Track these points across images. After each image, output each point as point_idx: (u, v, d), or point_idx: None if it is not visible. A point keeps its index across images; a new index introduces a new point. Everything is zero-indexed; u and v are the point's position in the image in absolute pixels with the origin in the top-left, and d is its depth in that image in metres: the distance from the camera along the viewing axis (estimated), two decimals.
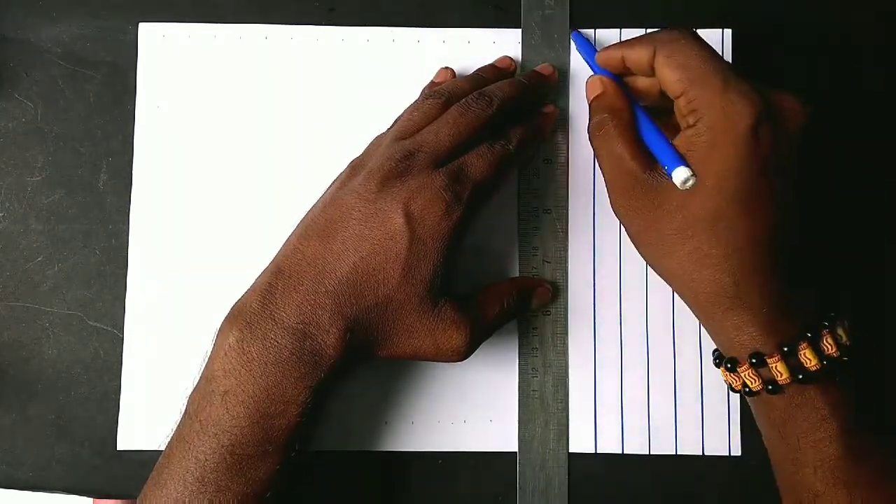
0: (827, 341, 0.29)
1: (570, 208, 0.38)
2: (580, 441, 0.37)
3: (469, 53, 0.38)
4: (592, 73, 0.36)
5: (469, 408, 0.37)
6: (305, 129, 0.38)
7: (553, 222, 0.38)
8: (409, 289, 0.30)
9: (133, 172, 0.38)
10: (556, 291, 0.37)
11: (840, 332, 0.30)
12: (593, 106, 0.35)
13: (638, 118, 0.33)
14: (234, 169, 0.38)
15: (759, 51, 0.39)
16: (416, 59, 0.38)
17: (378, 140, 0.35)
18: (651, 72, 0.32)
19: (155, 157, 0.38)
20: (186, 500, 0.28)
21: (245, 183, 0.38)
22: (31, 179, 0.38)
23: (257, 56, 0.38)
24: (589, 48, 0.37)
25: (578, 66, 0.38)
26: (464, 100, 0.34)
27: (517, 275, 0.38)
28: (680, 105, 0.31)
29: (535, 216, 0.38)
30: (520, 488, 0.36)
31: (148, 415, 0.36)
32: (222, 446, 0.28)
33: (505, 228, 0.38)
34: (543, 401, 0.37)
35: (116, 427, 0.36)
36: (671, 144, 0.31)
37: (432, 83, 0.38)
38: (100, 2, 0.38)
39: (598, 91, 0.35)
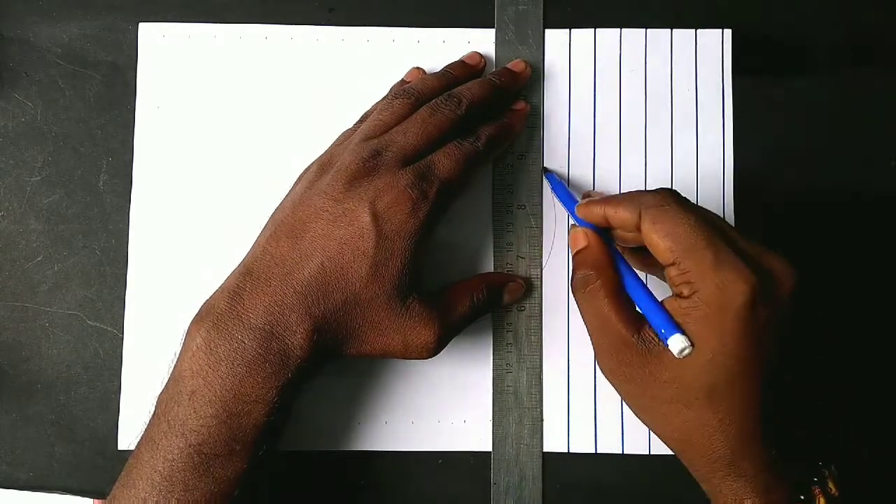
0: (819, 499, 0.30)
1: (543, 204, 0.38)
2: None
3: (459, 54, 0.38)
4: (568, 213, 0.35)
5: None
6: (305, 129, 0.38)
7: (527, 218, 0.38)
8: (376, 287, 0.31)
9: (133, 172, 0.38)
10: (530, 287, 0.37)
11: (830, 485, 0.30)
12: (577, 260, 0.33)
13: (624, 276, 0.32)
14: (235, 169, 0.38)
15: (759, 51, 0.39)
16: (415, 59, 0.38)
17: (344, 137, 0.36)
18: (637, 231, 0.31)
19: (155, 157, 0.38)
20: (154, 499, 0.28)
21: (245, 183, 0.38)
22: (30, 179, 0.38)
23: (257, 56, 0.38)
24: (567, 197, 0.35)
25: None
26: (433, 101, 0.34)
27: (492, 271, 0.38)
28: (671, 274, 0.30)
29: (509, 212, 0.38)
30: (494, 484, 0.37)
31: (148, 415, 0.36)
32: (190, 446, 0.29)
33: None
34: (517, 396, 0.37)
35: (116, 427, 0.36)
36: (665, 309, 0.30)
37: (402, 81, 0.38)
38: (100, 2, 0.38)
39: (581, 245, 0.33)
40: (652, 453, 0.37)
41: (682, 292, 0.29)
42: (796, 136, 0.39)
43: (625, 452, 0.37)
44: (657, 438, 0.37)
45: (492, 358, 0.37)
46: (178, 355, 0.30)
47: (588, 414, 0.37)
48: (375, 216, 0.31)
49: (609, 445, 0.37)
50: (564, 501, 0.37)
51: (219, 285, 0.32)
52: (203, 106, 0.38)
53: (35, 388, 0.37)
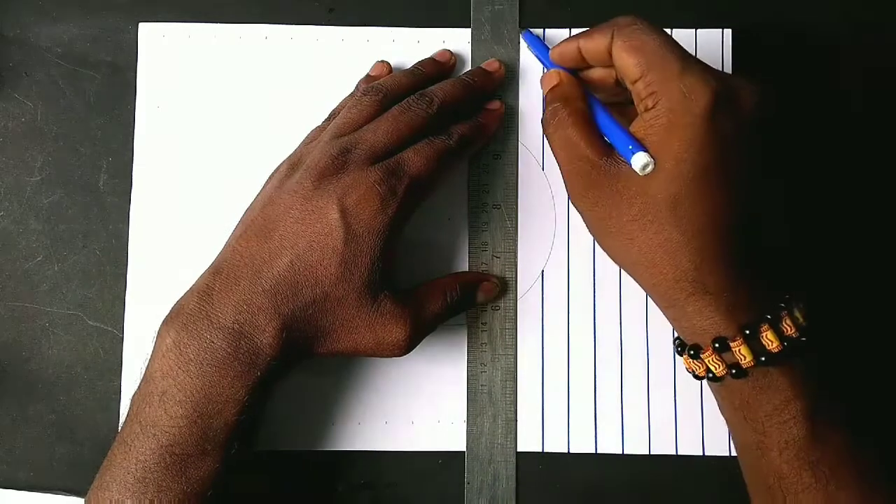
0: (786, 322, 0.29)
1: (519, 203, 0.38)
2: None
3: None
4: (544, 65, 0.36)
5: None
6: (305, 130, 0.38)
7: (502, 217, 0.38)
8: (346, 284, 0.31)
9: (133, 172, 0.38)
10: (504, 286, 0.37)
11: (797, 313, 0.30)
12: (548, 97, 0.34)
13: (592, 106, 0.33)
14: (234, 169, 0.38)
15: (759, 51, 0.39)
16: (415, 59, 0.38)
17: (313, 135, 0.36)
18: (608, 60, 0.32)
19: (155, 157, 0.38)
20: (128, 500, 0.28)
21: (245, 183, 0.37)
22: (30, 179, 0.38)
23: (257, 56, 0.38)
24: (541, 46, 0.36)
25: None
26: (405, 100, 0.34)
27: (467, 270, 0.38)
28: (638, 89, 0.30)
29: (485, 211, 0.38)
30: (467, 483, 0.37)
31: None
32: (161, 447, 0.29)
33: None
34: (492, 396, 0.37)
35: (116, 427, 0.36)
36: (627, 130, 0.31)
37: (368, 77, 0.38)
38: (100, 2, 0.39)
39: (553, 83, 0.34)
40: (652, 453, 0.37)
41: (647, 105, 0.30)
42: (796, 136, 0.39)
43: (625, 452, 0.37)
44: (657, 439, 0.37)
45: (466, 357, 0.37)
46: (149, 356, 0.30)
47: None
48: (344, 213, 0.30)
49: (609, 446, 0.37)
50: (564, 501, 0.37)
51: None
52: (203, 106, 0.38)
53: (35, 388, 0.37)
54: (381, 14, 0.39)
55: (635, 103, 0.31)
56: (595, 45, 0.32)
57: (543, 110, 0.34)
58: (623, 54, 0.30)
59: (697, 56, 0.38)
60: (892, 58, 0.40)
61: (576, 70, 0.34)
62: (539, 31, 0.38)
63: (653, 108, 0.30)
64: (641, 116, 0.30)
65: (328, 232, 0.30)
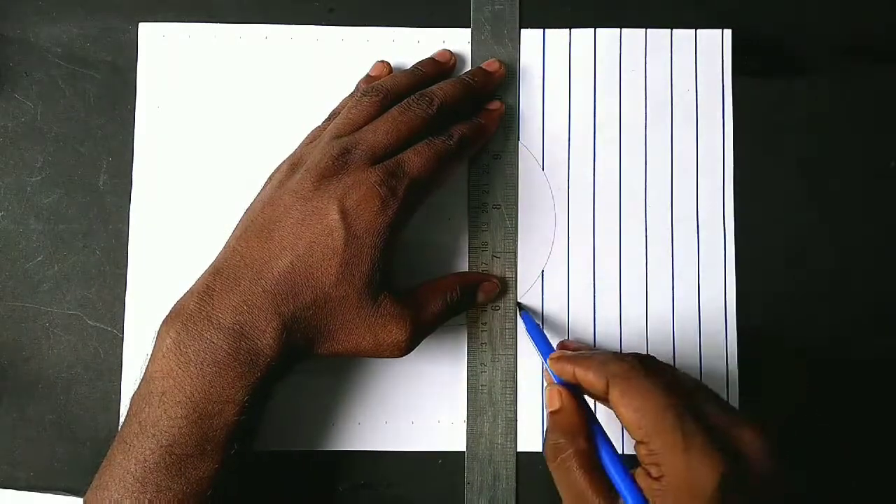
0: None
1: (519, 203, 0.38)
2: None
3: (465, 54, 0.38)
4: (542, 360, 0.34)
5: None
6: (305, 130, 0.38)
7: (502, 217, 0.38)
8: (346, 285, 0.31)
9: (133, 172, 0.38)
10: (504, 286, 0.37)
11: None
12: (550, 421, 0.32)
13: (598, 444, 0.30)
14: (234, 169, 0.38)
15: (759, 51, 0.39)
16: (415, 59, 0.38)
17: (313, 135, 0.36)
18: (607, 398, 0.30)
19: (155, 157, 0.38)
20: (127, 500, 0.28)
21: (245, 183, 0.37)
22: (30, 179, 0.38)
23: (257, 56, 0.38)
24: (543, 342, 0.35)
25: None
26: (405, 100, 0.34)
27: (467, 270, 0.38)
28: (640, 452, 0.28)
29: (485, 211, 0.38)
30: (468, 483, 0.37)
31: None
32: (161, 447, 0.29)
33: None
34: (492, 396, 0.37)
35: (117, 427, 0.36)
36: (638, 489, 0.28)
37: (369, 77, 0.38)
38: (100, 2, 0.39)
39: (555, 406, 0.32)
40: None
41: (650, 472, 0.28)
42: (796, 136, 0.39)
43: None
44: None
45: (466, 357, 0.37)
46: (149, 356, 0.30)
47: None
48: (344, 214, 0.30)
49: None
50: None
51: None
52: (203, 106, 0.38)
53: (35, 388, 0.37)
54: (381, 14, 0.39)
55: (639, 457, 0.29)
56: (590, 381, 0.30)
57: (544, 438, 0.31)
58: (621, 409, 0.29)
59: (698, 56, 0.39)
60: (894, 58, 0.40)
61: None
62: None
63: (657, 478, 0.28)
64: (647, 479, 0.28)
65: (328, 233, 0.30)
